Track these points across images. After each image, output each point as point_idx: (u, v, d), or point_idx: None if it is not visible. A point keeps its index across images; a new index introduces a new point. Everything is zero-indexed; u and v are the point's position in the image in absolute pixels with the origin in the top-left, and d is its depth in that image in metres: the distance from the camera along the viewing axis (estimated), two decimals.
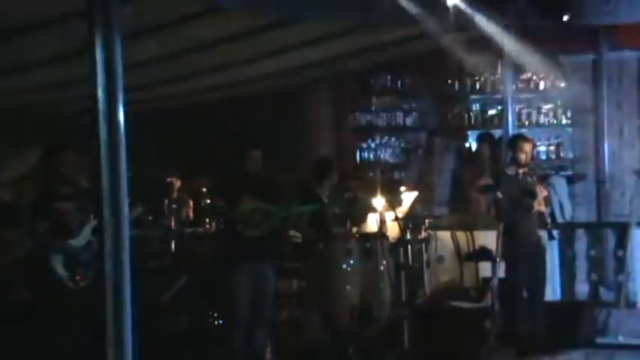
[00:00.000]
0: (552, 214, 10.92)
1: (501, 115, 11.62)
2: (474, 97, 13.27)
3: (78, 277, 7.64)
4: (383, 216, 9.64)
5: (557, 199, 11.00)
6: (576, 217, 11.63)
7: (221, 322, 9.33)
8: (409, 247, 9.77)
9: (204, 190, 9.88)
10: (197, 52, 9.18)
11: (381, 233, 9.54)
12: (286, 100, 12.75)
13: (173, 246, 10.14)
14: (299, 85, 12.59)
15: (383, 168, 12.86)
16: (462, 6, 9.57)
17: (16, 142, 11.28)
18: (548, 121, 12.90)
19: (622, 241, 10.53)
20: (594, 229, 11.12)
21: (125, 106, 6.67)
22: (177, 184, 10.75)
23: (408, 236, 9.81)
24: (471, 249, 10.49)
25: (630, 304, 10.42)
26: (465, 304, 9.76)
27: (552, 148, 12.81)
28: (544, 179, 9.92)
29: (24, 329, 8.20)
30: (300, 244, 9.73)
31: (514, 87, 11.36)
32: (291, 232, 9.70)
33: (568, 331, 9.71)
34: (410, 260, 9.76)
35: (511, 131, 10.77)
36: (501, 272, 9.62)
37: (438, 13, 9.45)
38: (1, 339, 8.43)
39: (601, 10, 10.54)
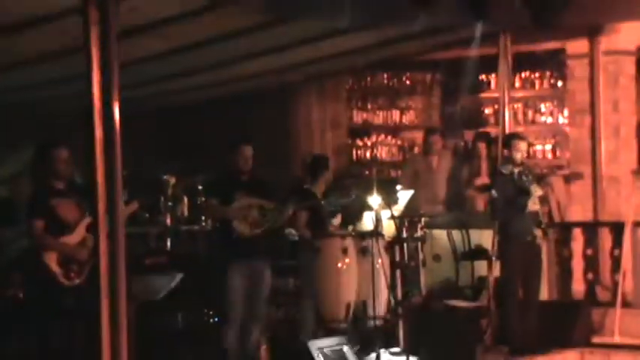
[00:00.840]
0: (550, 214, 10.94)
1: (498, 114, 11.60)
2: (470, 95, 13.27)
3: (72, 275, 7.62)
4: (379, 214, 9.63)
5: (554, 198, 11.00)
6: (572, 216, 11.62)
7: (216, 319, 9.33)
8: (405, 245, 9.77)
9: (199, 187, 9.87)
10: (192, 50, 9.16)
11: (377, 232, 9.53)
12: (282, 98, 12.74)
13: (169, 243, 10.14)
14: (295, 83, 12.58)
15: (379, 166, 12.86)
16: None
17: (11, 139, 11.25)
18: (545, 120, 12.91)
19: (618, 241, 10.53)
20: (591, 228, 11.11)
21: (121, 103, 6.67)
22: (173, 181, 10.73)
23: (404, 235, 9.81)
24: (467, 248, 10.48)
25: (626, 304, 10.42)
26: (461, 303, 9.77)
27: (549, 147, 12.81)
28: (541, 178, 9.92)
29: (19, 327, 8.18)
30: (296, 241, 9.73)
31: (511, 86, 11.34)
32: (287, 230, 9.71)
33: (564, 330, 9.71)
34: (406, 259, 9.76)
35: (507, 130, 10.76)
36: (497, 271, 9.62)
37: (433, 12, 9.44)
38: None
39: (598, 9, 10.53)
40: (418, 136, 12.97)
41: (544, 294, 10.06)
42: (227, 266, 8.60)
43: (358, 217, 10.04)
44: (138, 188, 8.69)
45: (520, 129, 11.78)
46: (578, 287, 10.85)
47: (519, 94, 12.62)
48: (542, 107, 12.89)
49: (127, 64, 6.99)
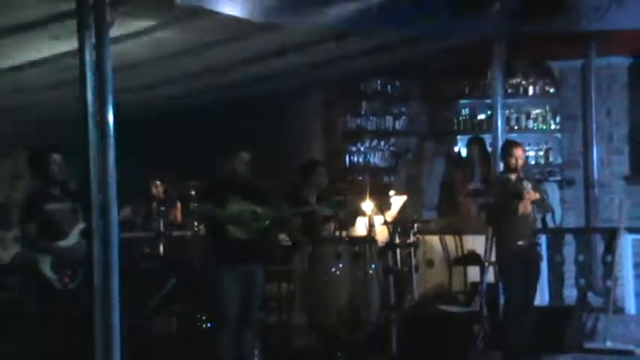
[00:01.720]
0: (544, 220, 10.96)
1: (490, 120, 11.64)
2: (463, 101, 13.32)
3: (66, 279, 7.63)
4: (372, 220, 9.65)
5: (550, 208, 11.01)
6: (565, 222, 11.66)
7: (210, 324, 9.32)
8: (398, 251, 9.76)
9: (192, 192, 9.88)
10: (187, 55, 9.18)
11: (370, 237, 9.55)
12: (276, 103, 12.76)
13: (161, 248, 10.14)
14: (289, 89, 12.60)
15: (372, 172, 12.88)
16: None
17: (5, 144, 11.26)
18: (538, 127, 12.95)
19: (610, 247, 10.55)
20: (583, 234, 11.14)
21: (115, 108, 6.68)
22: (166, 186, 10.76)
23: (397, 240, 9.80)
24: (460, 253, 10.50)
25: (618, 309, 10.45)
26: (454, 309, 9.77)
27: (541, 153, 12.86)
28: (537, 184, 9.95)
29: (14, 330, 8.18)
30: (289, 247, 9.74)
31: (503, 92, 11.38)
32: (280, 235, 9.71)
33: (556, 335, 9.73)
34: (398, 264, 9.75)
35: (500, 136, 10.78)
36: (490, 277, 9.64)
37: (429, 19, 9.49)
38: None
39: (590, 17, 10.58)
40: (411, 141, 13.00)
41: (536, 299, 10.08)
42: (220, 271, 8.59)
43: (351, 222, 10.04)
44: (131, 194, 8.70)
45: (513, 135, 11.81)
46: (570, 293, 10.88)
47: (512, 100, 12.66)
48: (535, 113, 12.94)
49: (120, 70, 7.01)
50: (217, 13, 7.75)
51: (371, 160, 13.51)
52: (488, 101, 12.06)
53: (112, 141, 6.68)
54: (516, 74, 12.73)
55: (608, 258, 10.53)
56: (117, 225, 6.79)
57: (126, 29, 7.64)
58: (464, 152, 12.95)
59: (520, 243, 9.26)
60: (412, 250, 10.07)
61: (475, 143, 11.93)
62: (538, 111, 12.94)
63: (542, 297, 10.50)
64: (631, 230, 10.61)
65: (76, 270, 7.63)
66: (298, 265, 9.50)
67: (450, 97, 13.34)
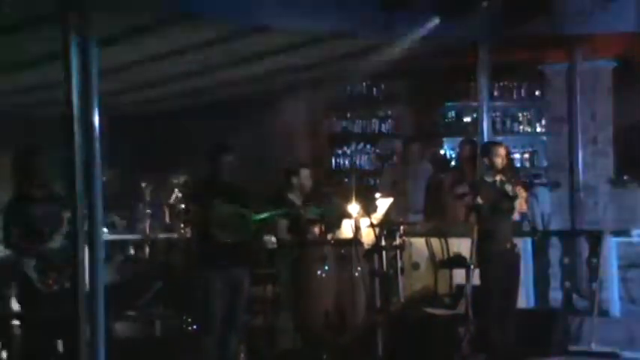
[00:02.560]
0: (533, 225, 10.98)
1: (476, 123, 11.65)
2: (449, 104, 13.34)
3: (50, 281, 7.61)
4: (358, 222, 9.64)
5: (539, 210, 11.03)
6: (551, 225, 11.67)
7: (195, 327, 9.31)
8: (384, 253, 9.78)
9: (179, 195, 9.86)
10: (172, 58, 9.17)
11: (356, 240, 9.54)
12: (261, 106, 12.75)
13: (147, 251, 10.12)
14: (274, 92, 12.59)
15: (358, 174, 12.88)
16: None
17: None
18: (523, 129, 12.98)
19: (595, 250, 10.56)
20: (568, 237, 11.16)
21: (100, 110, 6.66)
22: (152, 189, 10.72)
23: (383, 243, 9.81)
24: (446, 256, 10.50)
25: (603, 312, 10.47)
26: (439, 311, 9.78)
27: (527, 156, 12.89)
28: (525, 185, 9.96)
29: None
30: (274, 249, 9.72)
31: (489, 95, 11.39)
32: (266, 238, 9.70)
33: (541, 338, 9.74)
34: (384, 267, 9.76)
35: (486, 139, 10.80)
36: (475, 279, 9.64)
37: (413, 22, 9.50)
38: None
39: (575, 20, 10.61)
40: (397, 144, 13.00)
41: (521, 302, 10.10)
42: (206, 274, 8.58)
43: (337, 225, 10.04)
44: (117, 196, 8.67)
45: (499, 138, 11.82)
46: (555, 295, 10.90)
47: (498, 103, 12.68)
48: (520, 116, 12.97)
49: (105, 72, 7.00)
50: (203, 15, 7.75)
51: (357, 162, 13.52)
52: (474, 104, 12.08)
53: (97, 143, 6.66)
54: (502, 77, 12.75)
55: (594, 261, 10.54)
56: (102, 227, 6.77)
57: (109, 31, 7.62)
58: (449, 155, 12.97)
59: (507, 246, 9.28)
60: (398, 252, 10.07)
61: (468, 145, 11.91)
62: (524, 114, 12.97)
63: (527, 300, 10.51)
64: (616, 233, 10.64)
65: (60, 273, 7.61)
66: (284, 267, 9.49)
67: (435, 99, 13.34)
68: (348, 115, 13.66)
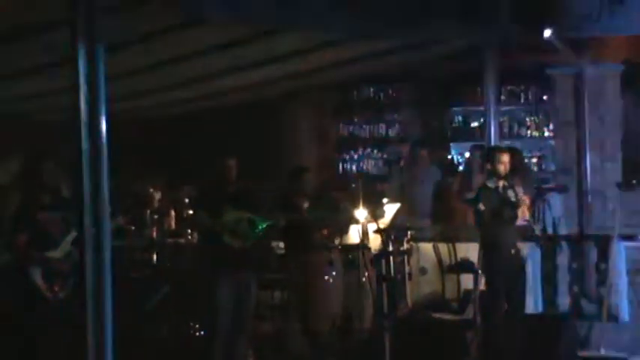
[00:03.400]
0: (544, 230, 10.97)
1: (484, 127, 11.64)
2: (456, 108, 13.32)
3: (56, 289, 7.61)
4: (365, 227, 9.65)
5: (550, 215, 11.01)
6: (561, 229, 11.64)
7: (202, 332, 9.31)
8: (391, 258, 9.77)
9: (186, 200, 9.86)
10: (179, 63, 9.16)
11: (363, 245, 9.55)
12: (269, 111, 12.75)
13: (155, 256, 10.12)
14: (281, 97, 12.59)
15: (365, 179, 12.87)
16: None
17: None
18: (531, 134, 12.96)
19: (604, 254, 10.55)
20: (576, 241, 11.13)
21: (107, 116, 6.66)
22: (159, 194, 10.73)
23: (390, 248, 9.81)
24: (453, 261, 10.49)
25: (612, 317, 10.44)
26: (447, 316, 9.78)
27: (534, 160, 12.87)
28: (537, 192, 9.95)
29: (4, 341, 8.14)
30: (282, 254, 9.73)
31: (497, 99, 11.38)
32: (274, 243, 9.71)
33: (549, 343, 9.71)
34: (392, 272, 9.76)
35: (493, 144, 10.79)
36: (483, 284, 9.63)
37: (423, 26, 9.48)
38: None
39: (584, 24, 10.58)
40: (404, 149, 12.99)
41: (529, 307, 10.08)
42: (214, 279, 8.59)
43: (344, 230, 10.04)
44: (124, 201, 8.67)
45: (506, 142, 11.81)
46: (563, 300, 10.87)
47: (505, 107, 12.66)
48: (528, 121, 12.95)
49: (113, 78, 6.99)
50: (211, 19, 7.75)
51: (364, 167, 13.51)
52: (481, 108, 12.07)
53: (104, 149, 6.66)
54: (510, 81, 12.74)
55: (602, 265, 10.53)
56: (109, 233, 6.76)
57: (119, 37, 7.63)
58: (457, 159, 12.95)
59: (511, 252, 9.28)
60: (405, 257, 10.07)
61: (477, 150, 11.90)
62: (532, 118, 12.95)
63: (535, 305, 10.49)
64: (624, 237, 10.61)
65: (66, 279, 7.61)
66: (291, 272, 9.49)
67: (442, 104, 13.33)
68: (356, 119, 13.66)
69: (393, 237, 9.92)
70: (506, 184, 9.35)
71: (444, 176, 11.97)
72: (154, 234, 10.22)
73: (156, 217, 10.41)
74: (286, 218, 9.38)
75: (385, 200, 10.77)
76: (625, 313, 10.69)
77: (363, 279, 9.39)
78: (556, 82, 12.02)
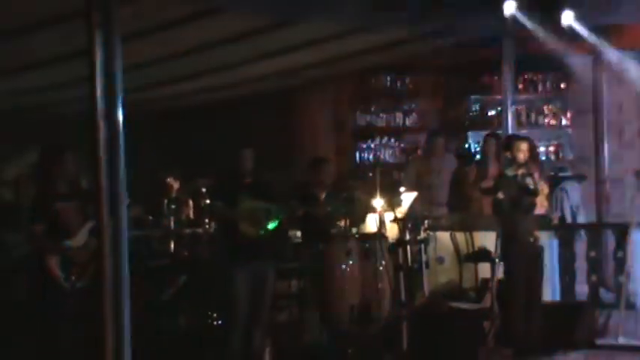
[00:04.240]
0: (563, 219, 10.94)
1: (501, 117, 11.61)
2: (473, 97, 13.29)
3: (74, 278, 7.64)
4: (382, 216, 9.65)
5: (568, 203, 10.98)
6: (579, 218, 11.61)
7: (220, 322, 9.33)
8: (408, 247, 9.77)
9: (203, 190, 9.88)
10: (196, 53, 9.18)
11: (381, 234, 9.55)
12: (285, 101, 12.75)
13: (172, 246, 10.14)
14: (298, 87, 12.60)
15: (382, 169, 12.86)
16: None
17: (16, 142, 11.27)
18: (548, 122, 12.92)
19: (622, 242, 10.52)
20: (594, 230, 11.10)
21: (124, 107, 6.69)
22: (176, 184, 10.74)
23: (407, 237, 9.81)
24: (471, 250, 10.48)
25: (630, 306, 10.41)
26: (464, 305, 9.78)
27: (552, 149, 12.82)
28: (549, 180, 9.92)
29: (22, 331, 8.19)
30: (299, 244, 9.74)
31: (514, 88, 11.34)
32: (291, 232, 9.72)
33: (567, 332, 9.71)
34: (409, 261, 9.76)
35: (510, 132, 10.77)
36: (500, 273, 9.62)
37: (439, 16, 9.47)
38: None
39: (602, 11, 10.53)
40: (421, 138, 12.98)
41: (547, 296, 10.07)
42: (231, 269, 8.61)
43: (362, 219, 10.04)
44: (142, 191, 8.70)
45: (523, 131, 11.78)
46: (581, 289, 10.85)
47: (522, 96, 12.62)
48: (545, 109, 12.91)
49: (129, 68, 7.02)
50: (227, 9, 7.76)
51: (381, 156, 13.49)
52: (498, 97, 12.04)
53: (121, 139, 6.69)
54: (527, 70, 12.69)
55: (620, 254, 10.50)
56: (127, 222, 6.79)
57: (135, 27, 7.64)
58: (474, 148, 12.92)
59: (530, 240, 9.27)
60: (422, 246, 10.06)
61: (493, 139, 11.87)
62: (549, 106, 12.90)
63: (553, 293, 10.47)
64: None
65: (84, 269, 7.64)
66: (308, 262, 9.51)
67: (460, 93, 13.30)
68: (372, 108, 13.64)
69: (410, 226, 9.92)
70: (525, 172, 9.34)
71: (460, 165, 11.94)
72: (172, 224, 10.23)
73: (173, 206, 10.43)
74: (304, 208, 9.41)
75: (402, 189, 10.75)
76: None
77: (380, 268, 9.39)
78: (574, 70, 11.98)
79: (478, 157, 12.39)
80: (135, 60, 8.25)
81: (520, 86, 12.58)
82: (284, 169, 10.96)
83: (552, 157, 12.80)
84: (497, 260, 9.63)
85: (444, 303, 9.75)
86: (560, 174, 11.94)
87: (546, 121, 12.93)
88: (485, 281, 10.04)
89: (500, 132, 11.86)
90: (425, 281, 10.09)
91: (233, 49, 9.28)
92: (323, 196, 9.80)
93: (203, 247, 9.96)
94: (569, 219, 11.24)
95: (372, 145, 13.54)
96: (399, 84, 13.58)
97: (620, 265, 10.44)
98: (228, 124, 11.97)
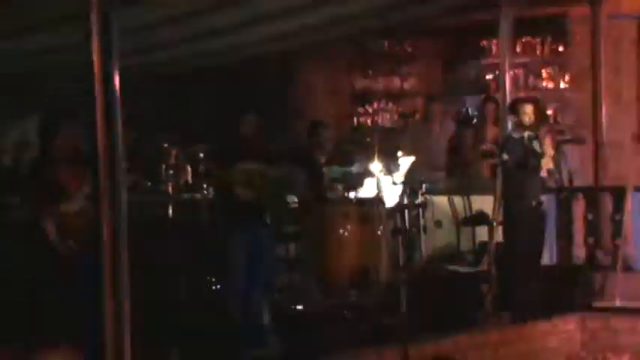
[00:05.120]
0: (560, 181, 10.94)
1: (499, 80, 11.58)
2: (471, 61, 13.26)
3: (72, 242, 7.65)
4: (380, 181, 9.65)
5: (566, 166, 10.99)
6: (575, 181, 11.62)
7: (219, 287, 9.36)
8: (406, 211, 9.79)
9: (201, 155, 9.87)
10: (193, 17, 9.14)
11: (379, 198, 9.55)
12: (283, 65, 12.72)
13: (170, 211, 10.15)
14: (296, 50, 12.55)
15: (380, 133, 12.85)
16: None
17: (15, 107, 11.26)
18: (546, 86, 12.89)
19: (619, 205, 10.55)
20: (591, 193, 11.12)
21: (121, 70, 6.67)
22: (175, 149, 10.73)
23: (405, 201, 9.83)
24: (468, 213, 10.51)
25: (627, 268, 10.45)
26: (462, 269, 9.82)
27: (550, 112, 12.81)
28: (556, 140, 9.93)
29: (20, 295, 8.19)
30: (297, 208, 9.75)
31: (512, 51, 11.31)
32: (289, 196, 9.72)
33: (565, 294, 9.76)
34: (407, 225, 9.78)
35: (508, 96, 10.74)
36: (498, 236, 9.65)
37: None
38: None
39: None
40: (419, 102, 12.96)
41: (544, 258, 10.09)
42: (229, 233, 8.63)
43: (359, 183, 10.05)
44: (140, 156, 8.69)
45: (521, 94, 11.76)
46: (578, 252, 10.88)
47: (520, 59, 12.59)
48: (544, 73, 12.88)
49: (127, 32, 6.99)
50: None
51: (379, 121, 13.49)
52: (496, 61, 12.01)
53: (118, 104, 6.68)
54: (526, 33, 12.65)
55: (617, 216, 10.53)
56: (124, 187, 6.79)
57: None
58: (476, 111, 12.90)
59: (534, 203, 9.28)
60: (420, 210, 10.09)
61: (490, 102, 11.86)
62: (547, 70, 12.87)
63: (550, 256, 10.51)
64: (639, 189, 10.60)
65: (81, 234, 7.64)
66: (307, 226, 9.52)
67: (458, 57, 13.27)
68: (370, 72, 13.61)
69: (407, 190, 9.94)
70: (531, 134, 9.35)
71: (458, 129, 11.94)
72: (170, 189, 10.23)
73: (171, 172, 10.43)
74: (303, 172, 9.41)
75: (400, 153, 10.76)
76: None
77: (379, 232, 9.41)
78: (572, 33, 11.94)
79: (475, 120, 12.41)
80: (132, 23, 8.21)
81: (518, 49, 12.55)
82: (282, 133, 10.96)
83: (551, 120, 12.78)
84: (494, 224, 9.65)
85: (442, 266, 9.79)
86: (559, 137, 11.93)
87: (544, 84, 12.90)
88: (483, 244, 10.08)
89: (497, 95, 11.86)
90: (423, 245, 10.13)
91: (231, 12, 9.24)
92: (323, 159, 9.80)
93: (202, 212, 9.97)
94: (565, 181, 11.24)
95: (370, 110, 13.52)
96: (397, 48, 13.55)
97: (618, 227, 10.47)
98: (226, 89, 11.95)
